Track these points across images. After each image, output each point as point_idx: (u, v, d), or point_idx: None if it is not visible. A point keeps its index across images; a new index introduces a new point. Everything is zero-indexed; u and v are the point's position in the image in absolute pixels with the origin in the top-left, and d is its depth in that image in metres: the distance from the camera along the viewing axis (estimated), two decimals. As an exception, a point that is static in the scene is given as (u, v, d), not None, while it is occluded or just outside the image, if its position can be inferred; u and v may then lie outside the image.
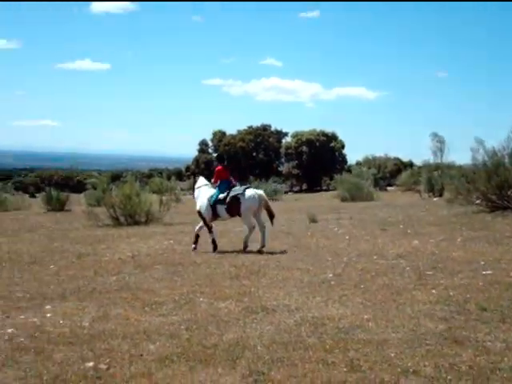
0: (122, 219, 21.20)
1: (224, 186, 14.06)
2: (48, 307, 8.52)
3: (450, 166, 33.26)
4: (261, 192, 14.15)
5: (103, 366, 5.92)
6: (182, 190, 48.53)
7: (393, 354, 5.99)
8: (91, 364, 5.98)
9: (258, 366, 5.81)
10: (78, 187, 67.59)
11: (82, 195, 32.43)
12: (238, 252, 13.23)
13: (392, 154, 63.70)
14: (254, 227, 13.77)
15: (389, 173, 56.73)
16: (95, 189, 24.83)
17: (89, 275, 11.10)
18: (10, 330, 7.32)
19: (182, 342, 6.66)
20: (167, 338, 6.80)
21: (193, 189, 15.16)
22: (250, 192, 13.78)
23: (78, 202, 30.82)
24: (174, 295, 9.06)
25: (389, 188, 49.21)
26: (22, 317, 8.02)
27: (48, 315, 8.07)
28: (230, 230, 17.80)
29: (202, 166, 75.83)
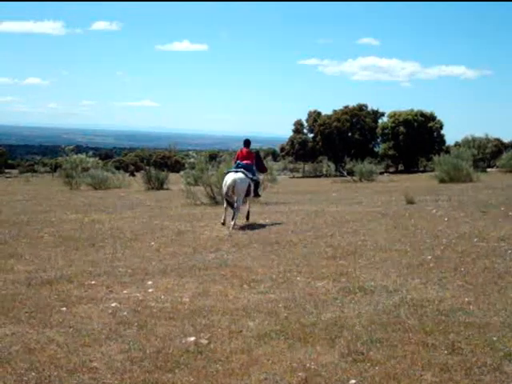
0: (218, 198, 21.44)
1: (234, 166, 16.08)
2: (150, 283, 8.76)
3: (554, 147, 32.01)
4: (233, 178, 15.08)
5: (204, 341, 6.05)
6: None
7: (495, 338, 5.88)
8: (192, 339, 6.12)
9: (357, 345, 5.81)
10: (176, 166, 68.96)
11: (180, 174, 32.96)
12: (334, 232, 13.16)
13: (493, 135, 61.64)
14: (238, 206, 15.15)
15: (489, 154, 55.07)
16: (193, 168, 25.14)
17: (188, 252, 11.34)
18: (113, 305, 7.57)
19: (281, 319, 6.73)
20: (266, 316, 6.88)
21: None
22: (228, 175, 15.48)
23: (175, 180, 31.38)
24: (272, 273, 9.15)
25: (489, 169, 47.83)
26: (125, 292, 8.27)
27: (150, 290, 8.29)
28: (325, 210, 17.75)
29: (296, 147, 75.78)
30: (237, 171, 15.47)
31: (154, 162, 66.98)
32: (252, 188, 15.60)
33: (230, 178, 15.22)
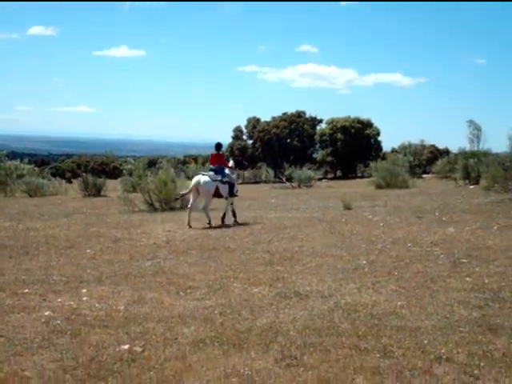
0: (157, 205, 21.34)
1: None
2: (84, 291, 8.64)
3: (487, 154, 32.73)
4: (197, 179, 16.56)
5: (138, 349, 6.00)
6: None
7: (426, 341, 5.98)
8: (126, 347, 6.06)
9: (291, 350, 5.84)
10: (114, 173, 68.24)
11: (117, 181, 32.68)
12: (272, 238, 13.24)
13: (428, 142, 62.88)
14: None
15: (425, 160, 56.22)
16: (131, 175, 24.94)
17: (124, 259, 11.23)
18: (46, 313, 7.44)
19: (216, 326, 6.72)
20: (201, 322, 6.87)
21: None
22: (195, 177, 16.92)
23: (113, 187, 31.07)
24: (208, 280, 9.14)
25: (424, 175, 48.74)
26: (59, 300, 8.14)
27: (84, 298, 8.19)
28: (264, 216, 17.85)
29: (236, 153, 75.88)
30: (204, 174, 16.64)
31: (92, 169, 66.19)
32: (226, 189, 16.63)
33: (195, 179, 16.50)
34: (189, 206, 16.41)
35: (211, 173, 16.58)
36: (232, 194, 16.88)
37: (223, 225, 16.33)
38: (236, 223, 16.39)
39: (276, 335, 6.30)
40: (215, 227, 15.76)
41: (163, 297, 8.19)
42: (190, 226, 15.70)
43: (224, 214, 16.72)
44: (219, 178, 16.47)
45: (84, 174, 33.69)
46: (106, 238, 14.00)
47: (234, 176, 17.34)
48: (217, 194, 16.61)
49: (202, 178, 16.37)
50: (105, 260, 11.21)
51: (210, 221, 16.14)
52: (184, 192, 17.18)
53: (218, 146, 17.30)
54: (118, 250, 12.41)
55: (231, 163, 17.68)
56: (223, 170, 16.82)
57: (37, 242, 13.53)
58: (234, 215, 16.69)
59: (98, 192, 31.53)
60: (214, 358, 5.73)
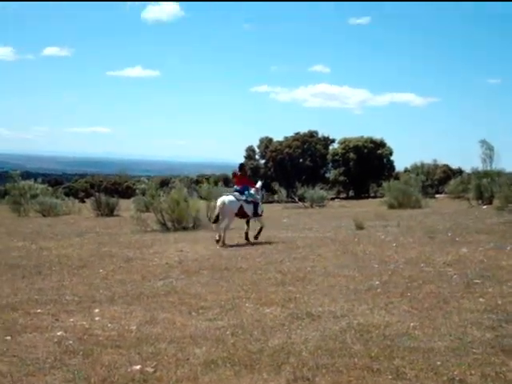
0: (169, 224, 21.36)
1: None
2: (96, 311, 8.65)
3: (500, 174, 32.56)
4: (222, 200, 16.64)
5: (150, 370, 5.99)
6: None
7: (439, 363, 5.94)
8: (138, 367, 6.06)
9: (303, 371, 5.81)
10: (127, 193, 68.36)
11: (130, 200, 32.75)
12: (284, 258, 13.21)
13: (441, 161, 62.81)
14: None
15: (437, 180, 56.06)
16: (144, 194, 25.00)
17: (137, 279, 11.24)
18: (59, 333, 7.45)
19: (228, 346, 6.70)
20: (213, 343, 6.85)
21: None
22: (220, 198, 16.99)
23: (126, 207, 31.15)
24: (220, 300, 9.13)
25: (437, 195, 48.51)
26: (71, 320, 8.15)
27: (96, 318, 8.20)
28: (276, 236, 17.84)
29: (248, 173, 76.03)
30: (228, 194, 16.95)
31: (105, 189, 66.43)
32: (250, 209, 16.83)
33: (220, 200, 16.60)
34: (221, 226, 16.49)
35: (236, 193, 16.80)
36: (256, 213, 17.06)
37: (258, 242, 16.49)
38: (248, 242, 16.48)
39: (288, 356, 6.28)
40: (230, 245, 15.84)
41: (175, 317, 8.18)
42: (218, 242, 16.05)
43: (259, 231, 16.98)
44: (243, 198, 16.69)
45: (97, 194, 33.84)
46: (118, 258, 14.03)
47: (258, 196, 17.44)
48: (241, 213, 16.78)
49: (227, 198, 16.59)
50: (117, 280, 11.23)
51: (223, 242, 16.06)
52: (215, 214, 16.85)
53: (241, 166, 17.64)
54: (131, 269, 12.43)
55: (259, 184, 17.84)
56: (247, 189, 17.00)
57: (50, 262, 13.58)
58: (247, 236, 16.78)
59: (110, 212, 31.63)
60: (225, 378, 5.72)
